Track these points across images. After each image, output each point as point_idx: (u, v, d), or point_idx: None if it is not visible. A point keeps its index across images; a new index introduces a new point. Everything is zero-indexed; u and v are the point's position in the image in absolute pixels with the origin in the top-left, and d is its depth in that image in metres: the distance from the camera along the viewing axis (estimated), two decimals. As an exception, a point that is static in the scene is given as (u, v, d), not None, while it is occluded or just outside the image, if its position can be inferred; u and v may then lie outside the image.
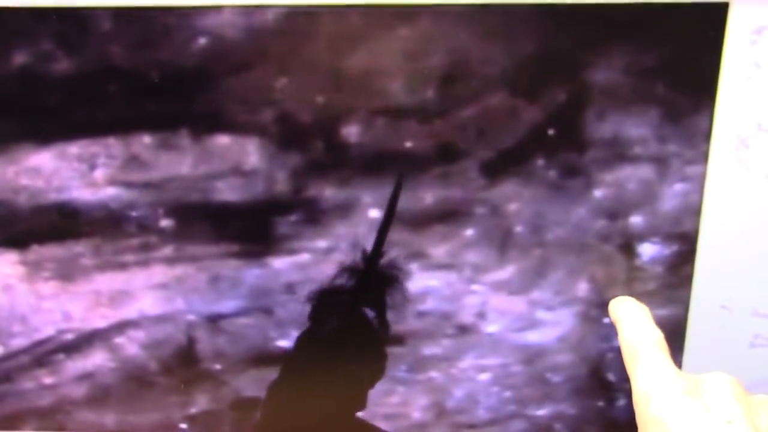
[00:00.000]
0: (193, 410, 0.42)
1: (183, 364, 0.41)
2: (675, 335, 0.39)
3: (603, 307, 0.38)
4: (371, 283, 0.38)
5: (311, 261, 0.38)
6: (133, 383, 0.41)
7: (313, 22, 0.34)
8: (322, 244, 0.38)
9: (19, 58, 0.35)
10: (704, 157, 0.36)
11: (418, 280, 0.38)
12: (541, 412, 0.41)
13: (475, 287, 0.38)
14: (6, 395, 0.42)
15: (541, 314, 0.39)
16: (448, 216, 0.37)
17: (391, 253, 0.38)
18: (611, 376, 0.40)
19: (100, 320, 0.40)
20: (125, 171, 0.37)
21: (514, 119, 0.35)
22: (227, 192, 0.37)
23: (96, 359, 0.41)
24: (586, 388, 0.40)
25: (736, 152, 0.35)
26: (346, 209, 0.37)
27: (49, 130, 0.36)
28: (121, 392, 0.41)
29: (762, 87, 0.34)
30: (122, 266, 0.39)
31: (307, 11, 0.34)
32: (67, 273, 0.39)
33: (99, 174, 0.37)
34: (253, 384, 0.41)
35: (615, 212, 0.37)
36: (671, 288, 0.38)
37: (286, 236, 0.38)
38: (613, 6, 0.33)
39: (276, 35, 0.34)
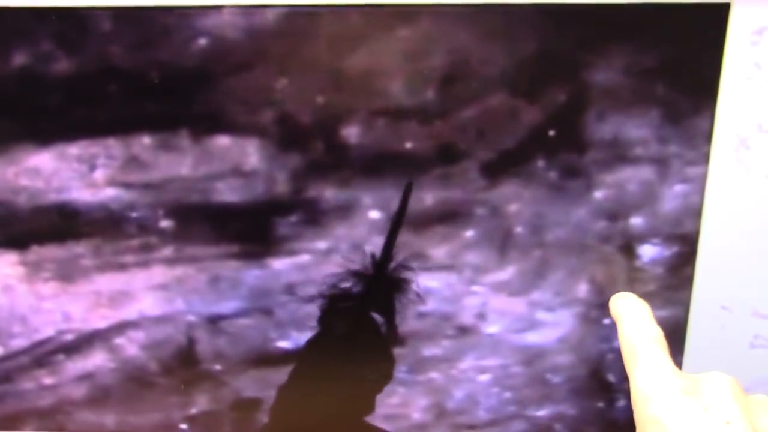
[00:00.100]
0: (193, 411, 0.42)
1: (183, 364, 0.40)
2: (675, 336, 0.39)
3: (603, 308, 0.38)
4: (380, 288, 0.38)
5: (311, 262, 0.38)
6: (133, 384, 0.41)
7: (313, 22, 0.34)
8: (322, 245, 0.38)
9: (19, 58, 0.35)
10: (705, 158, 0.36)
11: (418, 281, 0.38)
12: (542, 412, 0.41)
13: (475, 288, 0.38)
14: (6, 395, 0.42)
15: (541, 315, 0.39)
16: (449, 217, 0.37)
17: (400, 258, 0.38)
18: (611, 377, 0.40)
19: (100, 321, 0.40)
20: (125, 172, 0.37)
21: (514, 120, 0.35)
22: (227, 193, 0.37)
23: (96, 360, 0.41)
24: (586, 389, 0.40)
25: (736, 153, 0.35)
26: (346, 210, 0.37)
27: (49, 130, 0.36)
28: (121, 393, 0.41)
29: (762, 88, 0.34)
30: (122, 267, 0.39)
31: (307, 11, 0.34)
32: (67, 273, 0.39)
33: (99, 174, 0.37)
34: (253, 384, 0.41)
35: (615, 213, 0.37)
36: (671, 289, 0.38)
37: (286, 237, 0.38)
38: (613, 6, 0.33)
39: (276, 35, 0.34)
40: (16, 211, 0.38)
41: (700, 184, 0.36)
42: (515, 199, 0.37)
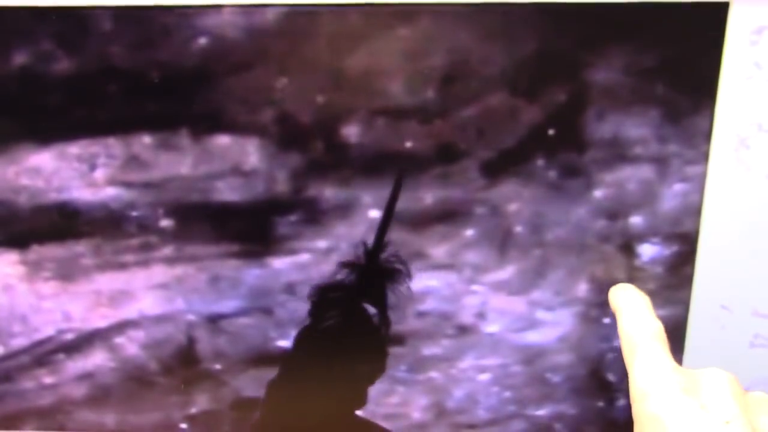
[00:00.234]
0: (193, 410, 0.42)
1: (183, 364, 0.41)
2: (675, 335, 0.39)
3: (603, 307, 0.38)
4: (372, 278, 0.38)
5: (311, 261, 0.38)
6: (133, 383, 0.41)
7: (313, 22, 0.34)
8: (322, 244, 0.38)
9: (19, 58, 0.35)
10: (704, 158, 0.36)
11: (418, 281, 0.38)
12: (541, 412, 0.41)
13: (475, 287, 0.38)
14: (6, 395, 0.42)
15: (540, 314, 0.39)
16: (448, 216, 0.37)
17: (392, 248, 0.38)
18: (611, 377, 0.40)
19: (100, 320, 0.40)
20: (125, 171, 0.37)
21: (514, 119, 0.35)
22: (227, 192, 0.37)
23: (96, 359, 0.41)
24: (585, 389, 0.40)
25: (736, 152, 0.35)
26: (346, 209, 0.37)
27: (49, 130, 0.36)
28: (121, 392, 0.41)
29: (762, 87, 0.34)
30: (122, 266, 0.39)
31: (307, 11, 0.34)
32: (67, 273, 0.39)
33: (99, 174, 0.37)
34: (253, 384, 0.41)
35: (615, 212, 0.37)
36: (671, 288, 0.38)
37: (286, 236, 0.38)
38: (613, 6, 0.33)
39: (276, 35, 0.34)
40: (16, 211, 0.38)
41: (699, 184, 0.36)
42: (515, 199, 0.37)
